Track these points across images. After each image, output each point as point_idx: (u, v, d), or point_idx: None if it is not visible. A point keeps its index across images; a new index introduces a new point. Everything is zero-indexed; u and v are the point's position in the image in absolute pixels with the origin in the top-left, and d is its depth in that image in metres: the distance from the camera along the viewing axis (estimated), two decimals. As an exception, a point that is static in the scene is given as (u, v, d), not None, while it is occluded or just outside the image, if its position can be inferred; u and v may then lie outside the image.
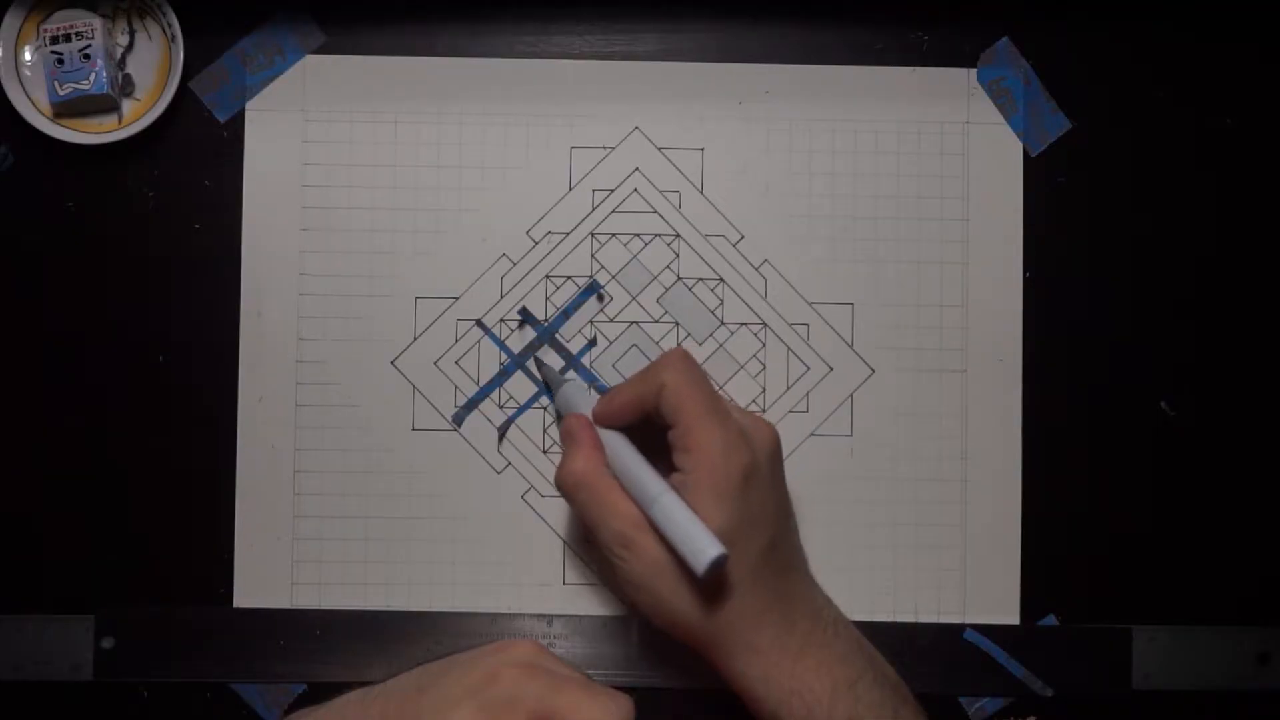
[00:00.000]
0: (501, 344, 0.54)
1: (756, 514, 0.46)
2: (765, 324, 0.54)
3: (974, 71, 0.54)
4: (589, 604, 0.53)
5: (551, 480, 0.53)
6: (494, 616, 0.53)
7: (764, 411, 0.54)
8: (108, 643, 0.52)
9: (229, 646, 0.53)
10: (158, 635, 0.53)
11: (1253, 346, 0.54)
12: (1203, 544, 0.53)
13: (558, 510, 0.54)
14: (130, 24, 0.54)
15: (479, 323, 0.54)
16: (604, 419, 0.49)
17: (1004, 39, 0.54)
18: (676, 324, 0.54)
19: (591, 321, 0.54)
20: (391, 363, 0.54)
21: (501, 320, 0.54)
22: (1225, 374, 0.54)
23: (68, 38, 0.52)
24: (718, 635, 0.46)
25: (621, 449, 0.48)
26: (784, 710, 0.45)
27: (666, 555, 0.45)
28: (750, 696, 0.46)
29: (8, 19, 0.53)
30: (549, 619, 0.53)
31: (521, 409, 0.54)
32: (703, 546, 0.44)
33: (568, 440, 0.49)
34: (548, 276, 0.54)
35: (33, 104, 0.53)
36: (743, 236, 0.54)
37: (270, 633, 0.53)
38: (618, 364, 0.54)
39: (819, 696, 0.45)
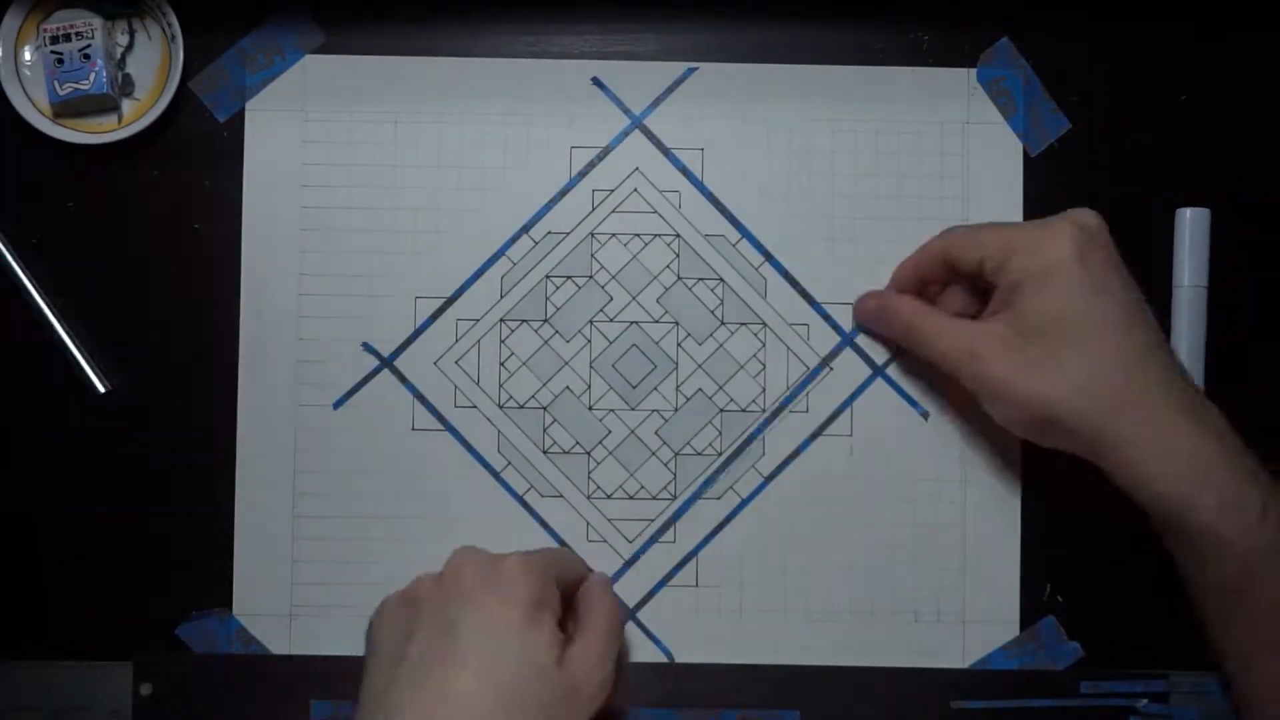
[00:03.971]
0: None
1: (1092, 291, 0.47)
2: (765, 324, 0.54)
3: (974, 71, 0.54)
4: (589, 604, 0.53)
5: (551, 480, 0.54)
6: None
7: (763, 412, 0.54)
8: (146, 689, 0.52)
9: (269, 692, 0.53)
10: (196, 682, 0.52)
11: (1252, 346, 0.54)
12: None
13: (558, 510, 0.54)
14: (130, 24, 0.54)
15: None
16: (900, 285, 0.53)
17: (1004, 39, 0.54)
18: (676, 324, 0.54)
19: (591, 322, 0.54)
20: (391, 363, 0.54)
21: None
22: (1226, 373, 0.53)
23: (68, 37, 0.52)
24: (1107, 416, 0.46)
25: None
26: (1214, 514, 0.45)
27: (1026, 348, 0.47)
28: (1157, 493, 0.46)
29: (8, 19, 0.53)
30: (549, 619, 0.53)
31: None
32: None
33: (886, 311, 0.53)
34: (548, 276, 0.54)
35: (33, 104, 0.53)
36: (743, 237, 0.54)
37: (312, 679, 0.53)
38: (617, 364, 0.54)
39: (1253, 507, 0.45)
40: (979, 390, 0.49)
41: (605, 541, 0.54)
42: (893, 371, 0.54)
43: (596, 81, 0.54)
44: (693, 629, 0.53)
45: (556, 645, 0.45)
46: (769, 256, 0.54)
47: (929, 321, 0.50)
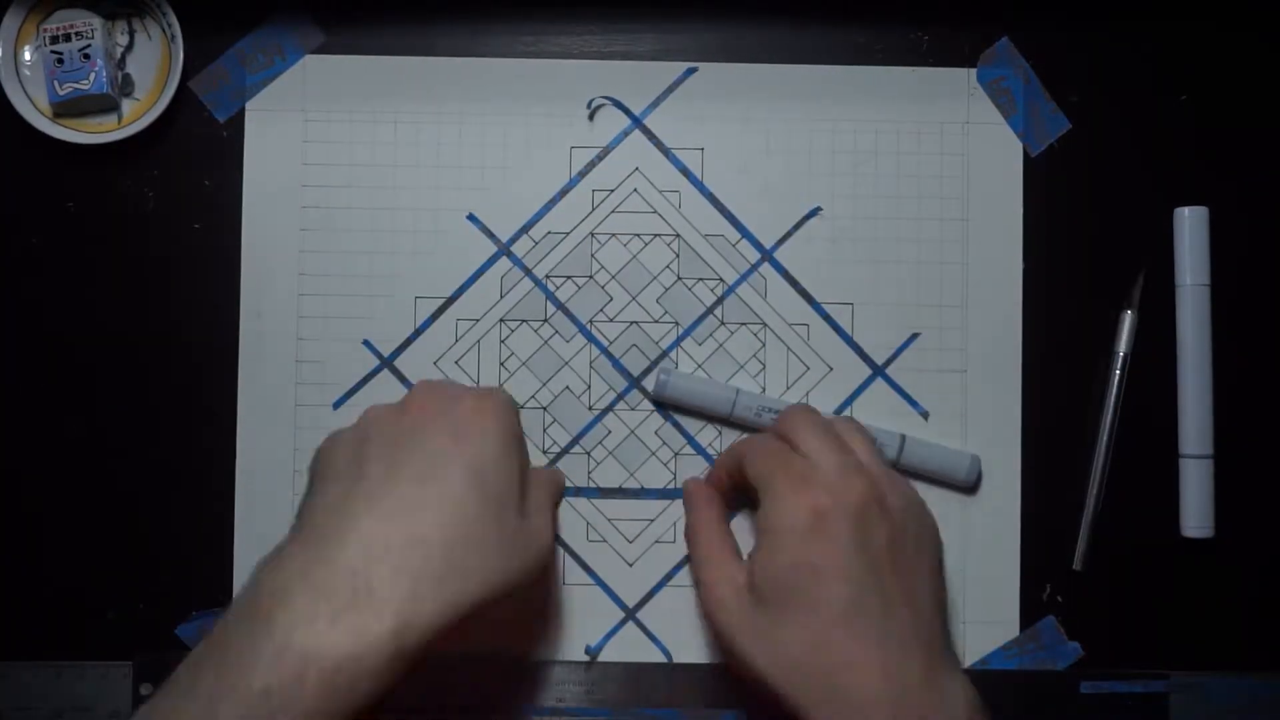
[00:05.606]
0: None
1: (820, 563, 0.44)
2: (765, 324, 0.54)
3: (974, 71, 0.54)
4: (587, 605, 0.53)
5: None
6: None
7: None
8: (146, 689, 0.52)
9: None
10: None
11: (1257, 343, 0.54)
12: (1203, 542, 0.53)
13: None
14: (130, 24, 0.54)
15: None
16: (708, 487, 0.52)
17: (1004, 39, 0.54)
18: (676, 324, 0.54)
19: (591, 322, 0.54)
20: (392, 362, 0.54)
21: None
22: (1231, 370, 0.53)
23: (68, 37, 0.52)
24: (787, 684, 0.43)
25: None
26: None
27: (748, 606, 0.45)
28: None
29: (8, 19, 0.53)
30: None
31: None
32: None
33: (685, 500, 0.52)
34: (548, 276, 0.54)
35: (33, 104, 0.53)
36: (743, 236, 0.54)
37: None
38: (617, 364, 0.54)
39: None
40: (713, 635, 0.45)
41: (605, 541, 0.54)
42: (893, 371, 0.54)
43: (612, 100, 0.54)
44: (693, 629, 0.53)
45: (518, 489, 0.44)
46: (769, 256, 0.54)
47: (701, 545, 0.49)
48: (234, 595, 0.45)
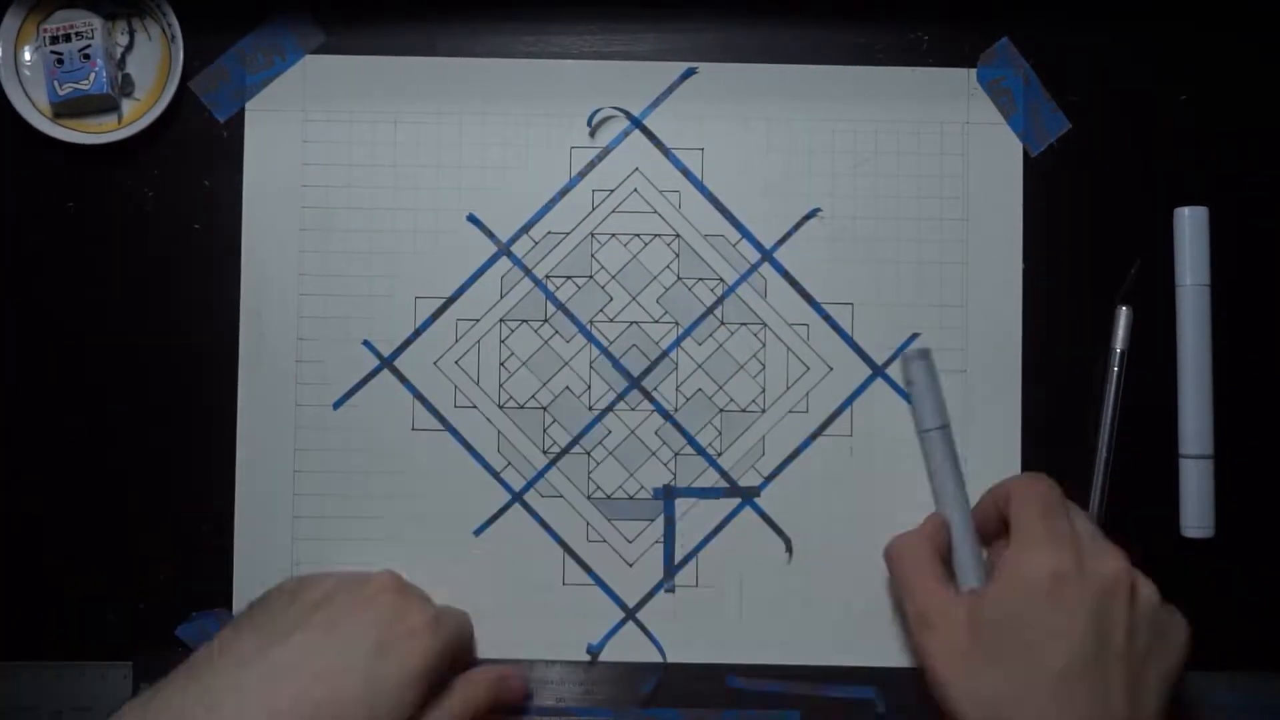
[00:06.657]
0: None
1: (1050, 627, 0.44)
2: (765, 324, 0.54)
3: (974, 71, 0.54)
4: (587, 605, 0.53)
5: (551, 480, 0.54)
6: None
7: (763, 412, 0.54)
8: (145, 689, 0.52)
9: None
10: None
11: (1256, 343, 0.54)
12: (1203, 542, 0.53)
13: (557, 511, 0.54)
14: (130, 24, 0.54)
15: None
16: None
17: (1004, 39, 0.54)
18: (676, 324, 0.54)
19: (591, 322, 0.54)
20: (391, 362, 0.54)
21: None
22: (1231, 370, 0.53)
23: (68, 37, 0.52)
24: None
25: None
26: None
27: (965, 642, 0.46)
28: None
29: (8, 19, 0.53)
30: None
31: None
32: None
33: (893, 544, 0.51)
34: (548, 276, 0.54)
35: (33, 104, 0.53)
36: (743, 237, 0.54)
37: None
38: (617, 364, 0.54)
39: None
40: (919, 661, 0.47)
41: (605, 541, 0.54)
42: (893, 371, 0.54)
43: (625, 112, 0.54)
44: (691, 629, 0.53)
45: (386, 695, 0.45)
46: (769, 256, 0.54)
47: (909, 574, 0.49)
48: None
